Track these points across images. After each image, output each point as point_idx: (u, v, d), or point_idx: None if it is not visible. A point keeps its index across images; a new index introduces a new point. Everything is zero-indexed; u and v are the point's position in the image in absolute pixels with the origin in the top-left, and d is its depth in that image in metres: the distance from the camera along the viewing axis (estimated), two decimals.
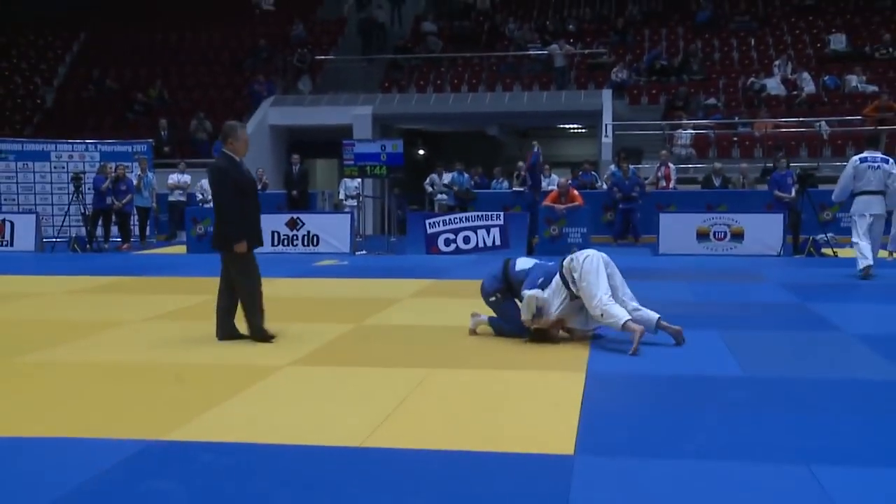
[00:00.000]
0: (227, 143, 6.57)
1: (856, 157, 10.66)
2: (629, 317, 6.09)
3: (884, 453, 3.91)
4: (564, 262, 6.35)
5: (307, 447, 4.03)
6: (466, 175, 17.96)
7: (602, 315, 6.12)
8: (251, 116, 22.61)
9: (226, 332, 6.68)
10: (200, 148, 21.95)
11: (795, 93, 21.49)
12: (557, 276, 6.36)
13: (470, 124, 23.85)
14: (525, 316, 6.33)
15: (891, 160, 10.49)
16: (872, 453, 3.91)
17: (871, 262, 10.21)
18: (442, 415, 4.61)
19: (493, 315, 6.81)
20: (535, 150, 15.19)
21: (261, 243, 6.74)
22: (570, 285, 6.26)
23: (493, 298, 6.63)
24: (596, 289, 6.13)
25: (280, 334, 6.79)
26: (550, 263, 6.56)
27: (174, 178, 17.69)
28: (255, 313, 6.60)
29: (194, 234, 15.35)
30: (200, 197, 17.39)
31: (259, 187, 16.91)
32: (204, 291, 9.68)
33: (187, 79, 25.84)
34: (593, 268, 6.18)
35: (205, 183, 17.48)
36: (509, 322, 6.63)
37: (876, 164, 10.36)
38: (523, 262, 6.65)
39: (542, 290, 6.31)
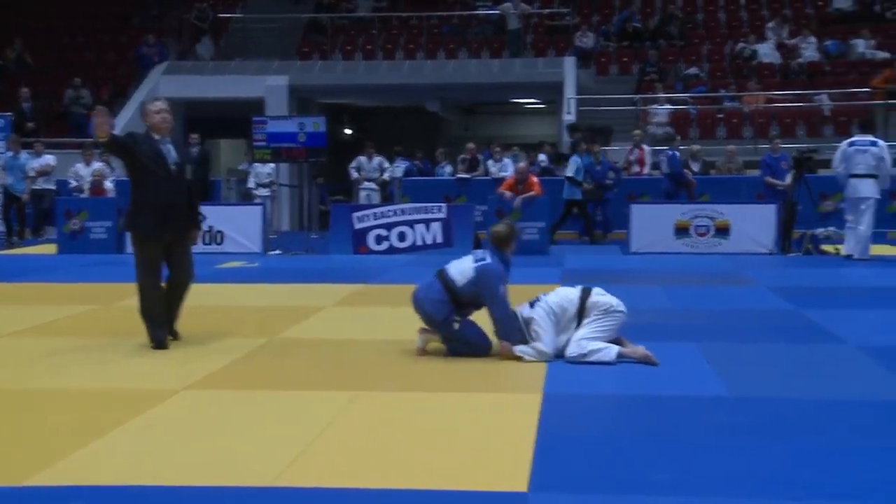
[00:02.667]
0: (145, 122, 7.17)
1: (846, 141, 12.93)
2: (617, 347, 6.40)
3: (891, 488, 4.01)
4: (593, 297, 6.51)
5: (204, 489, 3.99)
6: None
7: (586, 355, 6.32)
8: (139, 86, 22.29)
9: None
10: (78, 125, 21.53)
11: (792, 60, 21.97)
12: (564, 302, 6.50)
13: (406, 98, 23.86)
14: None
15: (880, 142, 12.76)
16: (876, 488, 4.01)
17: (851, 252, 12.53)
18: (370, 446, 4.61)
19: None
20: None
21: (157, 233, 6.96)
22: (578, 317, 6.48)
23: (455, 326, 6.64)
24: (593, 334, 6.41)
25: (174, 351, 6.76)
26: (489, 263, 6.55)
27: (35, 162, 17.31)
28: (146, 313, 7.00)
29: (67, 231, 15.10)
30: (75, 184, 17.05)
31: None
32: (81, 300, 9.54)
33: (57, 37, 25.30)
34: (613, 323, 6.47)
35: (80, 167, 17.19)
36: (470, 345, 6.66)
37: (864, 148, 12.56)
38: (459, 270, 6.62)
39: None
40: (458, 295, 6.57)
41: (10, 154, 16.77)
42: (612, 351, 6.36)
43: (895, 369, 6.18)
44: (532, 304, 6.58)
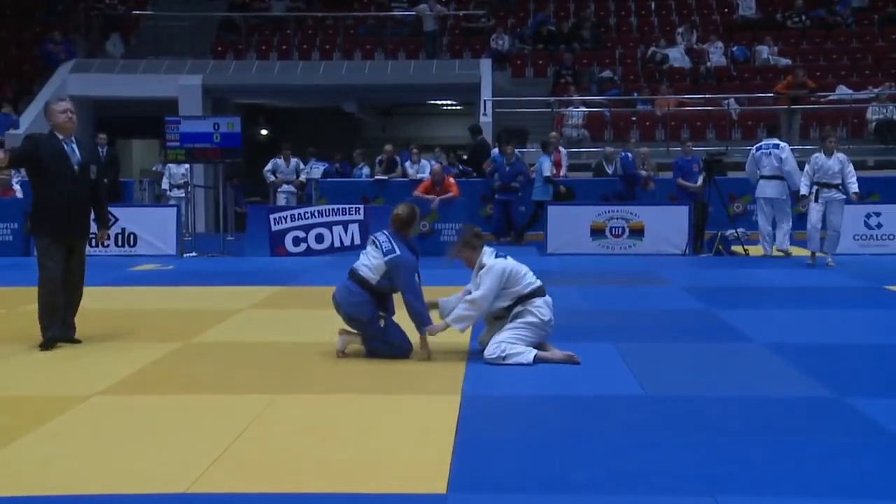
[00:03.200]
0: (48, 121, 7.22)
1: (755, 146, 13.78)
2: (535, 351, 6.49)
3: (798, 481, 4.14)
4: (538, 301, 6.58)
5: (117, 497, 3.92)
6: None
7: (504, 357, 6.41)
8: (44, 85, 21.71)
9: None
10: None
11: (701, 65, 22.46)
12: (520, 278, 6.58)
13: (323, 99, 23.72)
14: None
15: (782, 144, 13.58)
16: (785, 481, 4.13)
17: (767, 251, 13.41)
18: (288, 450, 4.58)
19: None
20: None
21: (60, 234, 6.98)
22: (514, 302, 6.55)
23: (381, 324, 6.64)
24: (515, 340, 6.49)
25: (86, 356, 6.62)
26: (400, 255, 6.56)
27: None
28: (43, 314, 7.01)
29: None
30: None
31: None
32: None
33: None
34: (537, 337, 6.58)
35: None
36: (392, 346, 6.67)
37: (768, 151, 13.41)
38: (370, 267, 6.60)
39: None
40: (376, 289, 6.59)
41: None
42: (530, 355, 6.45)
43: (801, 367, 6.35)
44: (496, 255, 6.65)
